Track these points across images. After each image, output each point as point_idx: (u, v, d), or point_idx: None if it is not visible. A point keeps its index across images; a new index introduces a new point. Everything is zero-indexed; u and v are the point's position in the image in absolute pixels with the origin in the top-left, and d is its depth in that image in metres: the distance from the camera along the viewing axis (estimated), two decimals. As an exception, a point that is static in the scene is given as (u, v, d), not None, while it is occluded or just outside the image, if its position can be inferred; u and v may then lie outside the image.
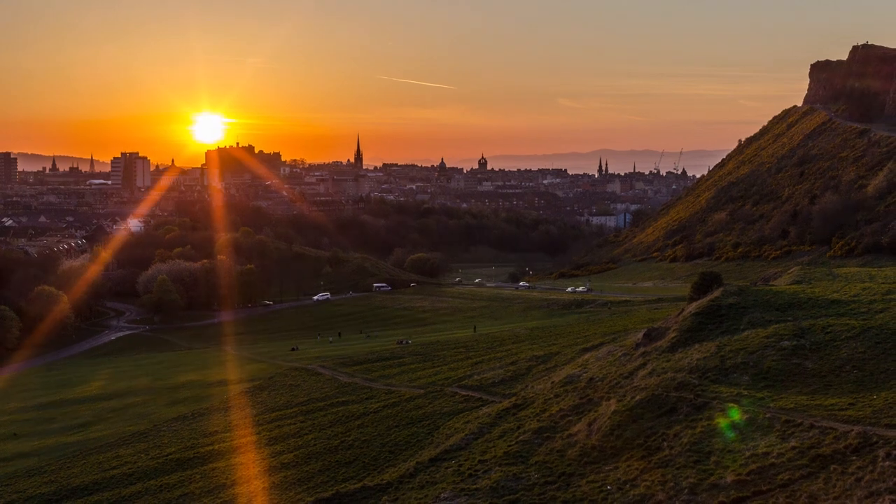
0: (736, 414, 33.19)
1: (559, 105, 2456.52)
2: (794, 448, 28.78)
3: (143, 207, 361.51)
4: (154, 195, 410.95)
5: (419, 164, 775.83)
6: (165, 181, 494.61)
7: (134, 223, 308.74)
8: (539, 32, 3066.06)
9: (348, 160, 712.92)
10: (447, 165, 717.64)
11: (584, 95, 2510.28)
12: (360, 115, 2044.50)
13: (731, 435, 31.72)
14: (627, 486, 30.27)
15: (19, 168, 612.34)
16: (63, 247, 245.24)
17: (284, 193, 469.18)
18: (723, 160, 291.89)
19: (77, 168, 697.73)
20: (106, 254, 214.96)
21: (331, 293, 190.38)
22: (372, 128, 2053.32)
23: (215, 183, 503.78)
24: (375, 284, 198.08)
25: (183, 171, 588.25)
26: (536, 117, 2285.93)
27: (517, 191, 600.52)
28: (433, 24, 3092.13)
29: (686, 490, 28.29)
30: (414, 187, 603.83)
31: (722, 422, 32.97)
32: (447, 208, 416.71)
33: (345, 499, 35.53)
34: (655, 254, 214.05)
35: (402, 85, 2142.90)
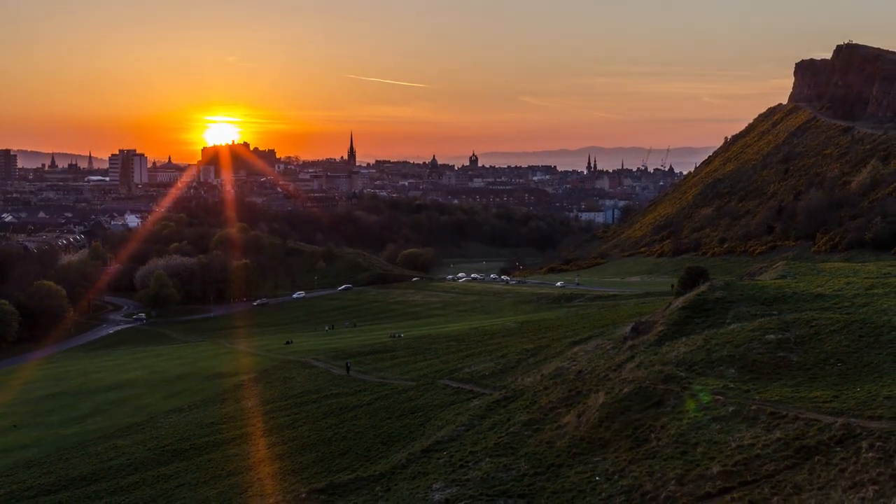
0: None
1: (525, 103, 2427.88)
2: (779, 439, 28.92)
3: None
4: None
5: (411, 161, 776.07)
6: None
7: (132, 218, 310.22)
8: (511, 31, 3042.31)
9: (342, 157, 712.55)
10: (438, 162, 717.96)
11: (547, 94, 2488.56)
12: (332, 112, 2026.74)
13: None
14: (615, 476, 30.53)
15: (19, 165, 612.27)
16: (62, 242, 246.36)
17: (279, 190, 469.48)
18: (709, 157, 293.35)
19: (75, 165, 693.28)
20: (109, 253, 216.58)
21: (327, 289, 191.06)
22: (348, 125, 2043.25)
23: (212, 180, 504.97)
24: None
25: (179, 168, 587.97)
26: (503, 115, 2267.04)
27: (507, 187, 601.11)
28: (407, 22, 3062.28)
29: (673, 480, 28.49)
30: (406, 184, 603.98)
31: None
32: (439, 204, 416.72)
33: (338, 489, 35.64)
34: (643, 249, 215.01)
35: (372, 84, 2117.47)
